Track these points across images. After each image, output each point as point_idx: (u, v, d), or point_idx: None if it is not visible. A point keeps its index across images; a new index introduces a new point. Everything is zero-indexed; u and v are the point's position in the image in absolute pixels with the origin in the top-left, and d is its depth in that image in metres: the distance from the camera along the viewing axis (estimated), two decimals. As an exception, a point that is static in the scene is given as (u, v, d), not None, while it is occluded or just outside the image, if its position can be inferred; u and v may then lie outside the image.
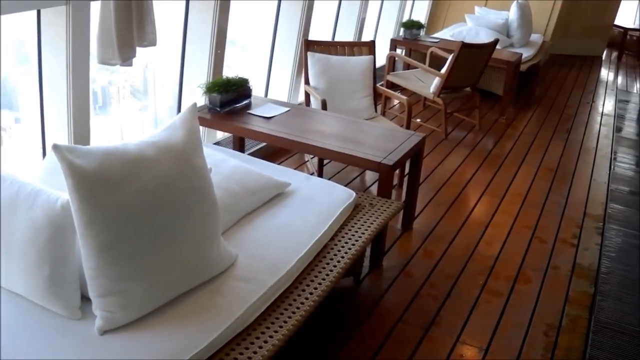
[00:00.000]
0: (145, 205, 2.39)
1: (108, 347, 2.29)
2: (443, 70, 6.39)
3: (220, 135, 5.29)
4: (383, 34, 8.63)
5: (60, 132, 3.82)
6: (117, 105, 4.74)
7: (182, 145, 2.60)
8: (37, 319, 2.41)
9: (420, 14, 9.68)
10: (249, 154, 4.41)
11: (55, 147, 2.24)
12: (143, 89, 5.07)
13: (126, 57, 3.51)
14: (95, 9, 3.45)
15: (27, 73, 3.97)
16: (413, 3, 9.40)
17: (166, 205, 2.46)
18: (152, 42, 3.66)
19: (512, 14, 8.67)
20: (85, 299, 2.45)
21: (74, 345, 2.28)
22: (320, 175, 4.89)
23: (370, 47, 5.77)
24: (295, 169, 3.92)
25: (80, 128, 3.83)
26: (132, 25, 3.51)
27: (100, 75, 4.47)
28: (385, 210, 3.50)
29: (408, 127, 5.24)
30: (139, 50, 3.65)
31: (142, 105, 5.06)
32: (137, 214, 2.37)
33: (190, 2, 4.66)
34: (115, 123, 4.82)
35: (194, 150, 2.65)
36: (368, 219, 3.40)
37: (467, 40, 7.06)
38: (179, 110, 5.01)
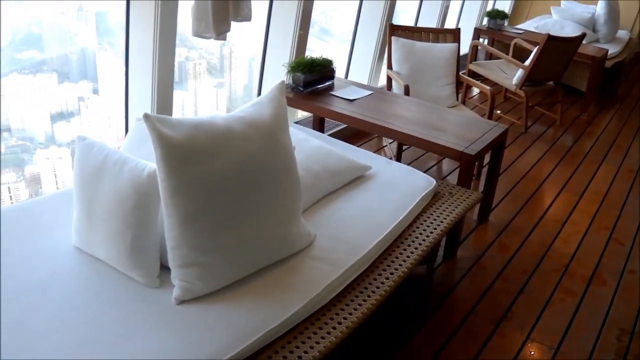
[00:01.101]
0: (230, 178, 2.40)
1: (184, 316, 2.32)
2: (527, 63, 6.27)
3: (299, 114, 5.30)
4: (465, 22, 8.52)
5: (143, 104, 3.87)
6: (192, 81, 4.78)
7: (270, 122, 2.60)
8: (116, 284, 2.45)
9: (504, 4, 9.51)
10: (328, 135, 4.42)
11: (146, 117, 2.26)
12: (219, 66, 5.10)
13: (221, 30, 3.53)
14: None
15: (108, 45, 4.03)
16: (497, -7, 9.27)
17: (251, 180, 2.47)
18: (247, 18, 3.67)
19: (600, 8, 8.42)
20: (163, 268, 2.49)
21: (150, 312, 2.32)
22: (398, 160, 4.87)
23: (455, 35, 5.70)
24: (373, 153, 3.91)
25: (163, 100, 3.88)
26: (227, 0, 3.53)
27: (177, 50, 4.52)
28: (464, 200, 3.46)
29: (490, 118, 5.17)
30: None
31: (217, 82, 5.09)
32: (222, 187, 2.38)
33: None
34: (190, 98, 4.87)
35: (281, 128, 2.66)
36: (447, 208, 3.36)
37: (553, 33, 6.89)
38: (259, 88, 5.05)
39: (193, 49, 4.69)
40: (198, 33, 3.50)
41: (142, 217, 2.41)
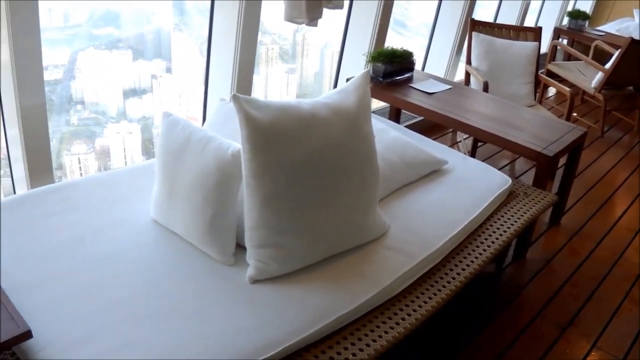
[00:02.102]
0: (313, 163, 2.42)
1: (257, 295, 2.35)
2: (608, 66, 6.15)
3: (375, 104, 5.30)
4: (543, 21, 8.38)
5: (223, 86, 3.92)
6: (264, 66, 4.81)
7: (354, 110, 2.61)
8: (191, 259, 2.51)
9: (585, 4, 9.33)
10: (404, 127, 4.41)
11: (235, 98, 2.29)
12: (291, 52, 5.12)
13: (313, 17, 3.55)
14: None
15: (184, 25, 4.08)
16: (579, -7, 9.10)
17: (332, 166, 2.49)
18: (339, 5, 3.68)
19: (685, 13, 8.22)
20: (238, 247, 2.53)
21: (224, 289, 2.36)
22: (472, 157, 4.82)
23: (536, 34, 5.62)
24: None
25: (244, 84, 3.92)
26: (321, -14, 3.55)
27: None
28: (539, 202, 3.42)
29: (568, 119, 5.09)
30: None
31: (289, 68, 5.11)
32: (304, 171, 2.41)
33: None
34: (260, 82, 4.90)
35: (364, 117, 2.66)
36: (521, 208, 3.33)
37: (635, 37, 6.75)
38: (336, 76, 5.06)
39: (266, 34, 4.72)
40: (290, 18, 3.52)
41: (223, 195, 2.45)
